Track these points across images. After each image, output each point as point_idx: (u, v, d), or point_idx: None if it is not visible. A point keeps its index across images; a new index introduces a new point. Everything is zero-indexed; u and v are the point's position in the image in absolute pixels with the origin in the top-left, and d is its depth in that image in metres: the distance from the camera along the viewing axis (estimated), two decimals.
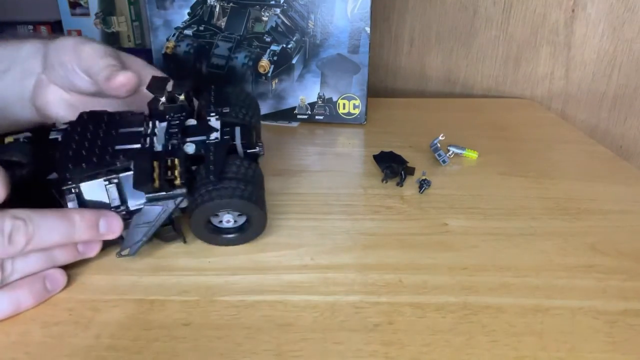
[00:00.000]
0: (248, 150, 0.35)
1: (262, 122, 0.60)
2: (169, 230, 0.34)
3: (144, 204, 0.33)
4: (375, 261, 0.33)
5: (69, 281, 0.31)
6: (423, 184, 0.43)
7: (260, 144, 0.36)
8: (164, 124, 0.34)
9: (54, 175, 0.32)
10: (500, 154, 0.52)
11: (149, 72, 0.38)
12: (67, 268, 0.32)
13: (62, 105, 0.40)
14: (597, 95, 0.75)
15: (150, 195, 0.32)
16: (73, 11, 0.73)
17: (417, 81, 0.77)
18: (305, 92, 0.59)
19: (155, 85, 0.36)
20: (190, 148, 0.33)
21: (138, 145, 0.33)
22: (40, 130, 0.34)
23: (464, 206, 0.41)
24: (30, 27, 0.76)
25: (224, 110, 0.36)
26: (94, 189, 0.32)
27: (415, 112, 0.66)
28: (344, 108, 0.59)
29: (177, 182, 0.32)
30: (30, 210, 0.28)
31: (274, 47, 0.57)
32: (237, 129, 0.36)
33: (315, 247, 0.35)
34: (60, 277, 0.30)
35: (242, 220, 0.34)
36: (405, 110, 0.67)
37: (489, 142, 0.55)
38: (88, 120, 0.35)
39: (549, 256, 0.34)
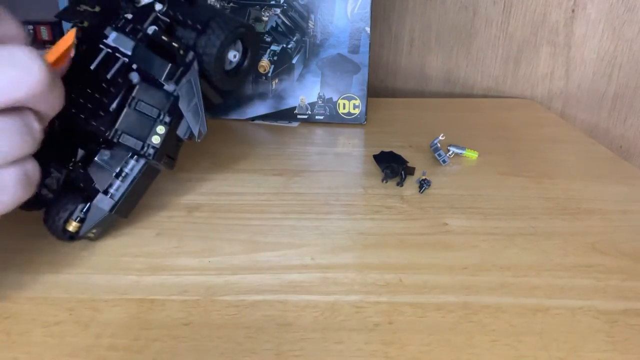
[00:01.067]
0: None
1: (262, 122, 0.60)
2: (207, 96, 0.36)
3: (175, 93, 0.34)
4: (375, 261, 0.33)
5: (69, 281, 0.31)
6: (423, 184, 0.43)
7: None
8: (113, 34, 0.34)
9: (81, 154, 0.34)
10: (500, 154, 0.52)
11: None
12: (67, 267, 0.32)
13: None
14: (597, 95, 0.75)
15: (173, 79, 0.33)
16: None
17: (417, 81, 0.77)
18: (305, 92, 0.59)
19: (67, 14, 0.35)
20: (152, 30, 0.34)
21: (121, 62, 0.33)
22: None
23: (464, 206, 0.41)
24: (30, 27, 0.76)
25: None
26: (130, 119, 0.33)
27: (415, 112, 0.66)
28: (344, 108, 0.59)
29: (182, 51, 0.33)
30: None
31: (274, 47, 0.57)
32: None
33: (315, 247, 0.35)
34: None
35: (240, 46, 0.37)
36: (405, 110, 0.67)
37: (489, 142, 0.55)
38: None
39: (549, 256, 0.34)
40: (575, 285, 0.31)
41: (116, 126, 0.33)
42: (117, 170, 0.34)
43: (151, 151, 0.34)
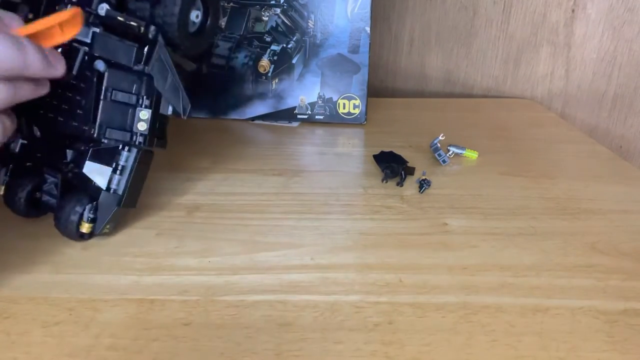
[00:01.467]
0: None
1: (262, 122, 0.60)
2: (179, 64, 0.35)
3: (146, 71, 0.32)
4: (375, 261, 0.33)
5: (69, 281, 0.31)
6: (423, 184, 0.43)
7: None
8: None
9: (71, 155, 0.33)
10: (500, 154, 0.52)
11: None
12: (67, 267, 0.32)
13: None
14: (597, 95, 0.75)
15: (142, 62, 0.32)
16: None
17: (417, 81, 0.77)
18: (305, 92, 0.59)
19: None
20: (103, 9, 0.32)
21: (82, 53, 0.32)
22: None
23: (464, 206, 0.41)
24: None
25: None
26: (110, 112, 0.32)
27: (415, 112, 0.66)
28: (344, 108, 0.59)
29: (142, 30, 0.32)
30: None
31: (274, 47, 0.57)
32: None
33: (315, 247, 0.35)
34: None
35: (199, 4, 0.35)
36: (405, 110, 0.67)
37: (489, 142, 0.55)
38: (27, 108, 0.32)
39: (549, 256, 0.34)
40: (575, 285, 0.31)
41: (98, 122, 0.32)
42: (113, 165, 0.33)
43: (141, 139, 0.33)
